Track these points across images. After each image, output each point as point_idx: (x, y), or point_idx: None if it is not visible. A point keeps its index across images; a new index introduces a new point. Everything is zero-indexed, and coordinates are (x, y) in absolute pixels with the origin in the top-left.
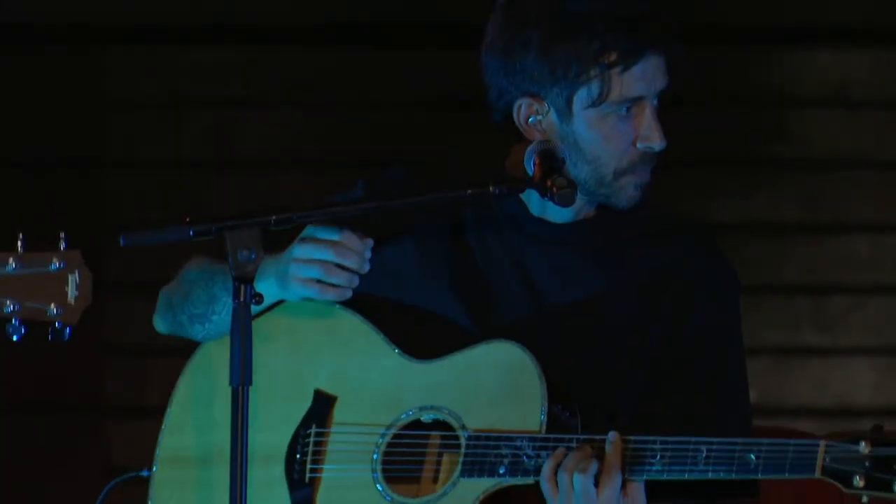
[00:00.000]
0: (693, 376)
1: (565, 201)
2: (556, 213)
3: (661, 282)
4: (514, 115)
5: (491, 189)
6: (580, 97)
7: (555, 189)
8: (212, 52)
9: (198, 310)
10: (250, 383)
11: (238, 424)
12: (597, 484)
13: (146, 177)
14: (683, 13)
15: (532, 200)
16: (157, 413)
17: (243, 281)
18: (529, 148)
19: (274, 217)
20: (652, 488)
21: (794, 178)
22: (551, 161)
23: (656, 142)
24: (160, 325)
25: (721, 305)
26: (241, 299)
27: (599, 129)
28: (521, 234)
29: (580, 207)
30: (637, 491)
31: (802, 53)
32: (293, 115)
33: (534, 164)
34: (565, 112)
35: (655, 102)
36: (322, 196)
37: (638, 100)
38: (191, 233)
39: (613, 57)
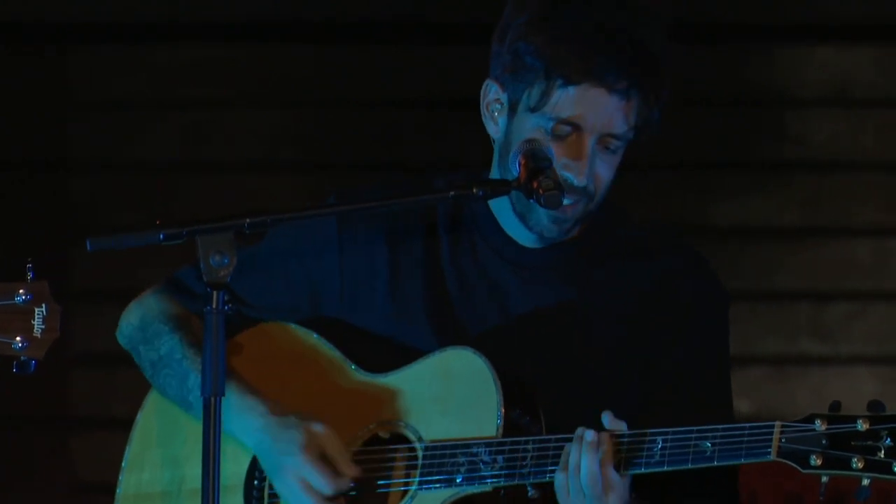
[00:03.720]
0: (682, 392)
1: (552, 203)
2: (533, 237)
3: (648, 303)
4: (482, 93)
5: (474, 191)
6: (525, 98)
7: (541, 191)
8: (184, 50)
9: (169, 398)
10: (223, 394)
11: (210, 438)
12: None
13: (116, 180)
14: (679, 9)
15: (507, 221)
16: (125, 425)
17: (215, 287)
18: (514, 149)
19: (248, 220)
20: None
21: (794, 180)
22: (537, 161)
23: (575, 175)
24: (122, 343)
25: (711, 324)
26: (214, 306)
27: (528, 136)
28: (493, 255)
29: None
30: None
31: (802, 50)
32: (269, 116)
33: (519, 165)
34: (512, 109)
35: (594, 141)
36: (299, 200)
37: (574, 126)
38: (161, 237)
39: (560, 68)
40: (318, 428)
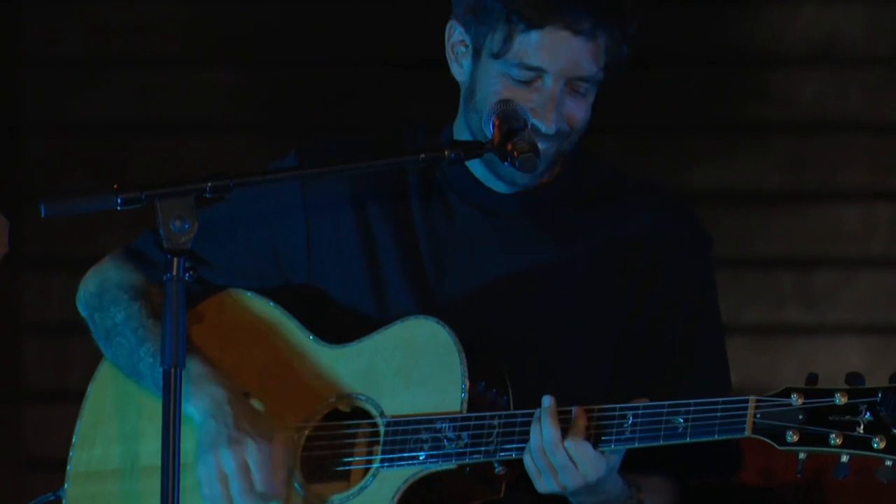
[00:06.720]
0: (667, 344)
1: (526, 166)
2: (504, 182)
3: (626, 249)
4: (446, 35)
5: (446, 153)
6: (488, 43)
7: (516, 153)
8: (141, 6)
9: (121, 367)
10: (183, 366)
11: (170, 411)
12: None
13: (69, 141)
14: None
15: (478, 169)
16: (78, 397)
17: (176, 253)
18: (488, 109)
19: (210, 184)
20: (628, 462)
21: (778, 142)
22: (511, 122)
23: (543, 122)
24: (81, 311)
25: (693, 266)
26: (174, 273)
27: (494, 83)
28: (468, 206)
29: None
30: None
31: (786, 6)
32: (230, 75)
33: (493, 126)
34: (477, 54)
35: (563, 85)
36: (261, 162)
37: (539, 71)
38: (118, 201)
39: (520, 12)
40: (276, 434)
